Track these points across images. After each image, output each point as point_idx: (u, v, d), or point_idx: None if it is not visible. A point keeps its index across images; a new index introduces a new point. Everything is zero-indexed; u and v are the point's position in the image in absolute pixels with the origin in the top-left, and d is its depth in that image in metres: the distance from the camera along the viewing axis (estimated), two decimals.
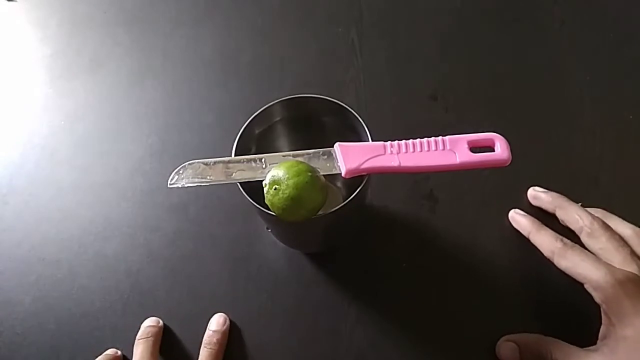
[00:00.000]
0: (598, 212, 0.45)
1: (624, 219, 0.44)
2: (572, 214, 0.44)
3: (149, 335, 0.45)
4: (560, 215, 0.46)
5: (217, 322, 0.46)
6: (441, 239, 0.49)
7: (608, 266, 0.38)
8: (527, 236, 0.46)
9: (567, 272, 0.40)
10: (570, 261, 0.40)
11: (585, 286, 0.39)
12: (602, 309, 0.38)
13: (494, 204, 0.50)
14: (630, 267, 0.39)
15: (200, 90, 0.60)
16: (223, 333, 0.45)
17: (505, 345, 0.42)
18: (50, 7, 0.68)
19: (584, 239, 0.43)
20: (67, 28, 0.66)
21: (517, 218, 0.47)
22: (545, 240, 0.43)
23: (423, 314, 0.46)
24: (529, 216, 0.47)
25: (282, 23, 0.64)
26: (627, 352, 0.36)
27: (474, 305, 0.46)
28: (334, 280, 0.48)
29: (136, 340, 0.45)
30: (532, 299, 0.46)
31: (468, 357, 0.45)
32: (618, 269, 0.38)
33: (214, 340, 0.44)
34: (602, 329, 0.38)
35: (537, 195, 0.48)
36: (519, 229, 0.47)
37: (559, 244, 0.42)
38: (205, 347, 0.44)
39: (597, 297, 0.38)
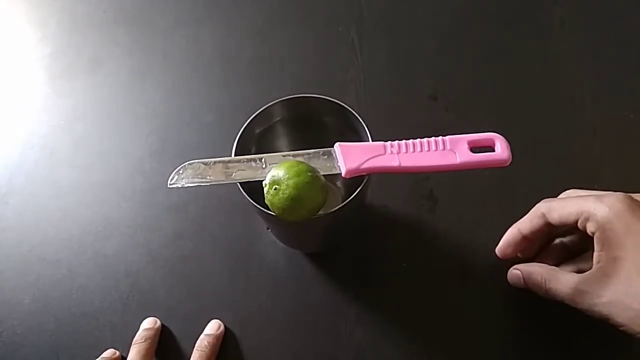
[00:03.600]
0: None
1: None
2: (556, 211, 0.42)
3: (143, 339, 0.45)
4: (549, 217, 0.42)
5: (211, 327, 0.46)
6: (441, 239, 0.49)
7: (596, 195, 0.39)
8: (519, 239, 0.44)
9: (562, 221, 0.40)
10: (560, 207, 0.40)
11: (579, 224, 0.39)
12: (595, 237, 0.38)
13: (494, 204, 0.50)
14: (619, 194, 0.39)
15: (200, 90, 0.60)
16: (216, 337, 0.45)
17: (512, 273, 0.45)
18: (50, 6, 0.67)
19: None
20: (66, 27, 0.66)
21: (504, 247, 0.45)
22: (528, 217, 0.43)
23: (423, 314, 0.46)
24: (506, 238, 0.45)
25: (282, 23, 0.64)
26: (617, 271, 0.36)
27: (473, 305, 0.46)
28: (334, 280, 0.48)
29: (132, 344, 0.45)
30: (531, 298, 0.46)
31: (468, 357, 0.45)
32: (606, 194, 0.38)
33: (205, 343, 0.44)
34: (595, 255, 0.38)
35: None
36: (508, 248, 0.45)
37: (541, 204, 0.42)
38: (197, 350, 0.44)
39: (590, 227, 0.38)
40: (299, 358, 0.45)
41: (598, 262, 0.38)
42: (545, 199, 0.43)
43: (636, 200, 0.38)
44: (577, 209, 0.39)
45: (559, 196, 0.44)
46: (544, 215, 0.41)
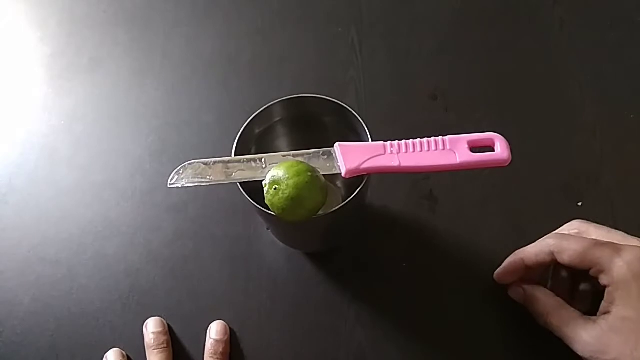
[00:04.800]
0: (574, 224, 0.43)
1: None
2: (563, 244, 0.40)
3: (165, 344, 0.44)
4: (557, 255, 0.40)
5: (218, 331, 0.45)
6: (441, 239, 0.49)
7: (612, 245, 0.37)
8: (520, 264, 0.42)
9: (572, 264, 0.38)
10: (572, 251, 0.38)
11: (591, 272, 0.37)
12: (606, 290, 0.37)
13: (494, 204, 0.50)
14: (632, 242, 0.38)
15: (200, 90, 0.60)
16: (226, 342, 0.45)
17: (515, 290, 0.43)
18: (50, 6, 0.67)
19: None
20: (66, 27, 0.66)
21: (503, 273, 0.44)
22: (535, 250, 0.41)
23: (423, 313, 0.46)
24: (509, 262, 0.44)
25: (282, 23, 0.64)
26: (625, 332, 0.35)
27: (473, 305, 0.46)
28: (334, 280, 0.48)
29: (149, 349, 0.44)
30: None
31: (468, 357, 0.45)
32: (623, 246, 0.37)
33: (220, 350, 0.44)
34: (604, 304, 0.37)
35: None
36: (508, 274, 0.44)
37: (551, 241, 0.40)
38: (211, 357, 0.44)
39: (603, 279, 0.37)
40: (299, 358, 0.45)
41: (606, 313, 0.37)
42: (554, 235, 0.41)
43: None
44: (592, 258, 0.37)
45: (565, 227, 0.42)
46: (552, 253, 0.39)
